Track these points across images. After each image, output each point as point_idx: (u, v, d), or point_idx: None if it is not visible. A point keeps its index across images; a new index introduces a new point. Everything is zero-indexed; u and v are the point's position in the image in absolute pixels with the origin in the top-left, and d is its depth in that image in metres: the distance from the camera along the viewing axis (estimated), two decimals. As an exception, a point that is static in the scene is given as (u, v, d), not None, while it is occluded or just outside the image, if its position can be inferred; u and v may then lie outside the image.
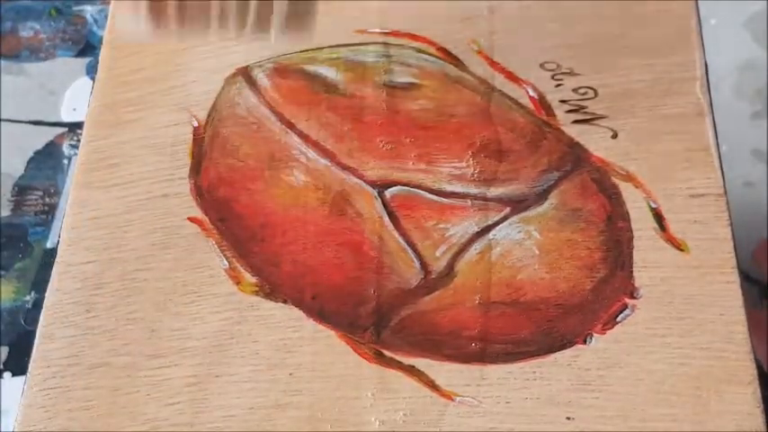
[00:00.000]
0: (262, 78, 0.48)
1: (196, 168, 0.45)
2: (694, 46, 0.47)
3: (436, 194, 0.44)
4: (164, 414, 0.39)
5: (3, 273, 0.50)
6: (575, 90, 0.46)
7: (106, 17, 0.52)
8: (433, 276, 0.42)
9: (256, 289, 0.42)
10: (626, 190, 0.43)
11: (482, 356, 0.40)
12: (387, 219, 0.43)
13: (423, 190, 0.44)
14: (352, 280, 0.42)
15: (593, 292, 0.41)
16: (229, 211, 0.44)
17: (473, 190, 0.44)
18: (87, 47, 0.58)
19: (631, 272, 0.41)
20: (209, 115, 0.47)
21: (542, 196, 0.43)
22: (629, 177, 0.44)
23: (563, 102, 0.46)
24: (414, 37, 0.49)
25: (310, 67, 0.48)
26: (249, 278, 0.42)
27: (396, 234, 0.43)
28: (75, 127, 0.56)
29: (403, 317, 0.41)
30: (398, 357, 0.40)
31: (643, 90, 0.46)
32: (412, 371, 0.39)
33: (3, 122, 0.56)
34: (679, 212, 0.43)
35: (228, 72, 0.48)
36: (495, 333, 0.40)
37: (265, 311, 0.41)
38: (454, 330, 0.40)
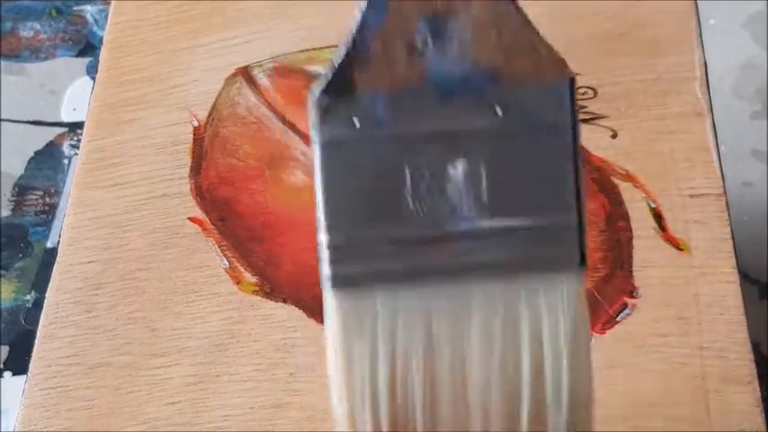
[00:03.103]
0: (262, 78, 0.48)
1: (196, 168, 0.45)
2: (694, 46, 0.47)
3: (436, 194, 0.44)
4: (164, 413, 0.39)
5: (3, 272, 0.50)
6: (575, 90, 0.46)
7: (106, 17, 0.52)
8: (434, 276, 0.41)
9: (256, 288, 0.42)
10: (626, 190, 0.43)
11: (482, 356, 0.39)
12: (387, 218, 0.43)
13: (423, 190, 0.44)
14: (352, 280, 0.41)
15: (593, 291, 0.41)
16: (230, 210, 0.44)
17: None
18: (88, 47, 0.58)
19: (631, 271, 0.41)
20: (209, 115, 0.47)
21: None
22: (629, 177, 0.44)
23: (563, 102, 0.46)
24: (414, 37, 0.49)
25: (310, 67, 0.48)
26: (249, 278, 0.42)
27: (396, 234, 0.43)
28: (75, 127, 0.56)
29: (403, 316, 0.41)
30: (399, 357, 0.40)
31: (643, 90, 0.46)
32: (412, 370, 0.39)
33: (3, 122, 0.56)
34: (679, 212, 0.43)
35: (229, 72, 0.48)
36: (495, 333, 0.40)
37: (266, 311, 0.41)
38: (454, 330, 0.40)
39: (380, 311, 0.31)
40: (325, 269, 0.31)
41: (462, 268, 0.31)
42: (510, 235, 0.31)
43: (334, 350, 0.32)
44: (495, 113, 0.30)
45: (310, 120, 0.30)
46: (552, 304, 0.31)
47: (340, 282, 0.31)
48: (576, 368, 0.32)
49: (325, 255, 0.31)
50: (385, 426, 0.32)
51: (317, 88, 0.30)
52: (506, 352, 0.31)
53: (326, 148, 0.31)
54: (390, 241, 0.31)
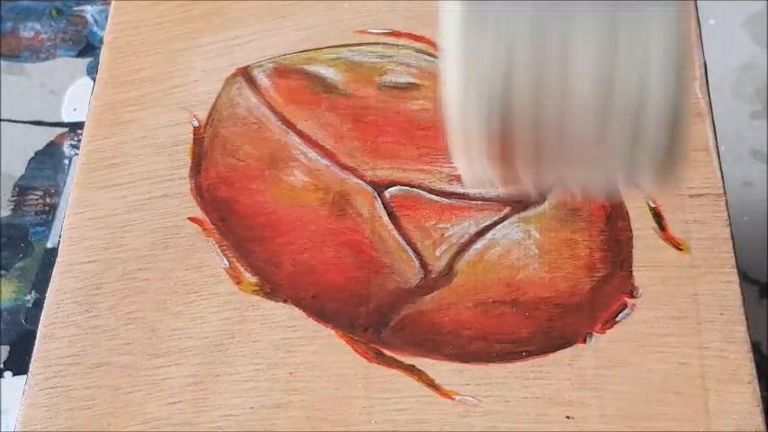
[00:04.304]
0: (262, 78, 0.48)
1: (196, 168, 0.45)
2: (694, 46, 0.47)
3: (436, 194, 0.44)
4: (164, 413, 0.39)
5: (3, 272, 0.50)
6: None
7: (106, 17, 0.52)
8: (433, 276, 0.42)
9: (257, 288, 0.42)
10: (626, 190, 0.44)
11: (482, 356, 0.40)
12: (387, 218, 0.43)
13: (422, 190, 0.44)
14: (352, 279, 0.42)
15: (592, 291, 0.41)
16: (230, 210, 0.44)
17: (472, 190, 0.44)
18: (88, 47, 0.58)
19: (631, 271, 0.41)
20: (209, 115, 0.47)
21: (542, 196, 0.43)
22: (628, 177, 0.44)
23: (563, 102, 0.46)
24: (414, 37, 0.49)
25: (310, 68, 0.48)
26: (249, 278, 0.42)
27: (396, 234, 0.43)
28: (75, 127, 0.56)
29: (403, 316, 0.41)
30: (398, 357, 0.40)
31: (643, 90, 0.46)
32: (412, 370, 0.39)
33: (3, 122, 0.56)
34: (678, 212, 0.43)
35: (229, 72, 0.48)
36: (494, 332, 0.40)
37: (266, 311, 0.41)
38: (454, 330, 0.40)
39: (500, 9, 0.33)
40: None
41: None
42: None
43: (453, 45, 0.34)
44: None
45: None
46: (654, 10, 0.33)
47: None
48: (673, 66, 0.34)
49: None
50: (493, 119, 0.34)
51: None
52: (604, 43, 0.33)
53: None
54: None
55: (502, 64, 0.34)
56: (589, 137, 0.34)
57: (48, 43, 0.60)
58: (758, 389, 0.38)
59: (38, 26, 0.60)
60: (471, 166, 0.35)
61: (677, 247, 0.42)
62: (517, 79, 0.34)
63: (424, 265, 0.42)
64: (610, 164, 0.35)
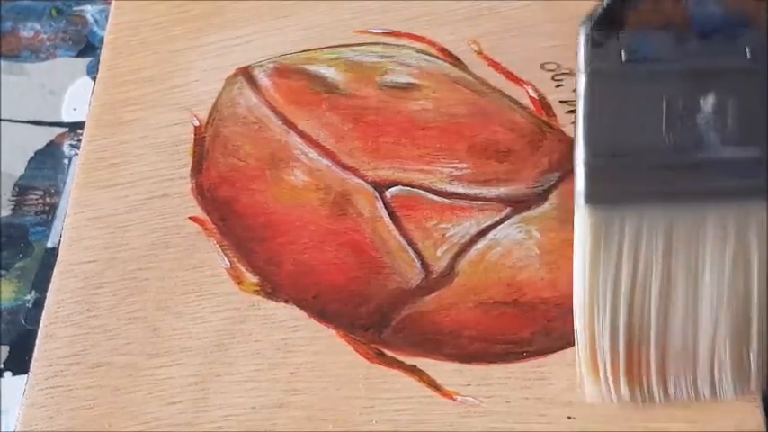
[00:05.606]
0: (262, 78, 0.48)
1: (197, 168, 0.45)
2: None
3: (437, 194, 0.44)
4: (165, 413, 0.39)
5: (3, 272, 0.50)
6: (575, 90, 0.46)
7: (107, 17, 0.52)
8: (434, 276, 0.42)
9: (257, 288, 0.42)
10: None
11: (483, 356, 0.40)
12: (388, 219, 0.43)
13: (423, 190, 0.44)
14: (353, 279, 0.42)
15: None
16: (230, 210, 0.44)
17: (473, 190, 0.44)
18: (88, 47, 0.58)
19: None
20: (210, 115, 0.47)
21: (543, 196, 0.43)
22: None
23: (563, 102, 0.46)
24: (414, 37, 0.49)
25: (311, 67, 0.48)
26: (250, 278, 0.42)
27: (397, 234, 0.43)
28: (75, 127, 0.56)
29: (404, 316, 0.41)
30: (399, 357, 0.40)
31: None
32: (413, 370, 0.39)
33: (3, 122, 0.56)
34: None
35: (229, 72, 0.48)
36: (495, 333, 0.40)
37: (266, 311, 0.41)
38: (455, 330, 0.40)
39: (627, 227, 0.35)
40: (580, 186, 0.35)
41: (702, 192, 0.34)
42: (746, 165, 0.34)
43: (581, 261, 0.35)
44: (745, 55, 0.34)
45: (579, 51, 0.35)
46: None
47: (592, 198, 0.35)
48: None
49: (580, 173, 0.35)
50: (621, 336, 0.35)
51: (586, 24, 0.35)
52: (737, 270, 0.34)
53: (592, 77, 0.35)
54: (640, 166, 0.34)
55: (629, 282, 0.35)
56: (723, 357, 0.35)
57: (48, 43, 0.60)
58: (758, 389, 0.38)
59: (38, 26, 0.60)
60: (599, 383, 0.37)
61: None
62: (643, 297, 0.35)
63: (425, 265, 0.42)
64: (742, 379, 0.36)
